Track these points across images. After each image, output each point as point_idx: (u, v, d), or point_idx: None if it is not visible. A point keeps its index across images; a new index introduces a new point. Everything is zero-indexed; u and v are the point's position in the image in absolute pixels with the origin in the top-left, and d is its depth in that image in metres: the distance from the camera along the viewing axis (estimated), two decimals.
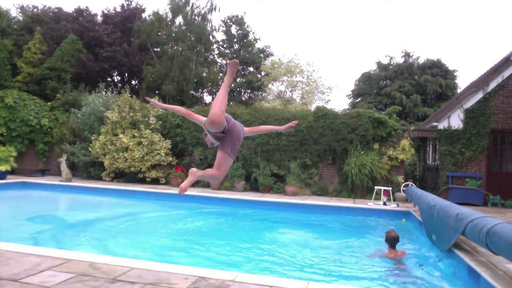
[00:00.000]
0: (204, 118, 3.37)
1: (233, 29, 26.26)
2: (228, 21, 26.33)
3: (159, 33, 18.60)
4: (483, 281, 3.60)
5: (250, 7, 43.87)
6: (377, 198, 9.53)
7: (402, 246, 5.81)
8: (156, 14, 18.75)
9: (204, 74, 19.82)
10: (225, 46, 26.44)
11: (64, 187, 10.36)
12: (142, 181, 11.53)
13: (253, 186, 10.98)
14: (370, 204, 8.73)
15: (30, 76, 14.93)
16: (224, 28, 26.30)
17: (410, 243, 5.98)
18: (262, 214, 8.27)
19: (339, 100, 48.46)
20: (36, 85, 14.79)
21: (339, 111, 11.50)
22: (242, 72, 26.01)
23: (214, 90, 21.93)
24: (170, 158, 11.40)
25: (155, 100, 3.80)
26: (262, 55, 26.10)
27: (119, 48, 16.58)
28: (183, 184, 2.92)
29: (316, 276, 4.06)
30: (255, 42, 26.14)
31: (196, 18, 19.31)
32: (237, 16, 26.29)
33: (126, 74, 19.16)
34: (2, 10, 17.12)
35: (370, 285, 3.93)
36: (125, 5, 18.24)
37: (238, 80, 25.37)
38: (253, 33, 26.29)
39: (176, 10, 18.75)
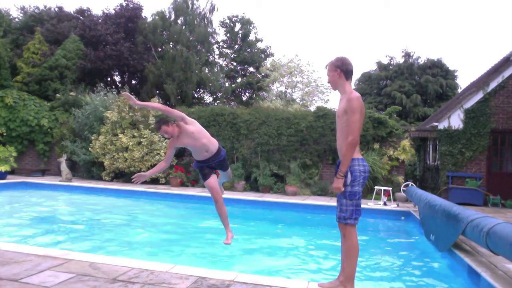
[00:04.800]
0: (180, 113, 3.88)
1: (235, 29, 26.25)
2: (228, 21, 26.32)
3: (162, 33, 18.62)
4: (483, 281, 3.60)
5: (250, 7, 43.92)
6: (377, 198, 9.53)
7: (402, 246, 5.82)
8: (160, 13, 18.77)
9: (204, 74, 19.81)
10: (225, 46, 26.44)
11: (64, 187, 10.37)
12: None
13: (253, 186, 10.97)
14: (370, 204, 8.73)
15: (30, 76, 14.91)
16: (225, 28, 26.30)
17: (410, 243, 5.98)
18: (262, 214, 8.27)
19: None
20: (36, 85, 14.79)
21: None
22: (242, 73, 26.03)
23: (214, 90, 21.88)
24: None
25: (129, 94, 3.92)
26: (262, 55, 26.11)
27: (123, 48, 16.56)
28: None
29: (316, 276, 4.06)
30: (256, 42, 26.13)
31: (197, 19, 19.32)
32: (238, 17, 26.27)
33: (127, 74, 19.16)
34: (2, 13, 17.11)
35: (370, 284, 3.92)
36: (124, 5, 18.23)
37: (238, 80, 25.38)
38: (255, 34, 26.29)
39: (179, 10, 18.75)
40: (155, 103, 3.92)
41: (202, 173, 4.11)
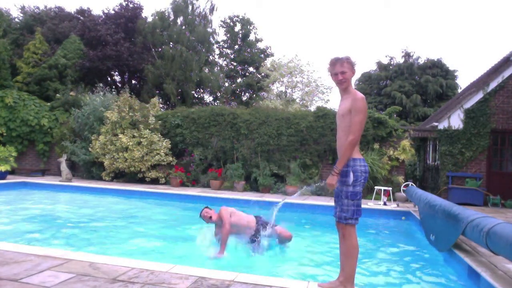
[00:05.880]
0: (228, 215, 4.66)
1: (235, 29, 26.23)
2: (229, 21, 26.32)
3: (162, 33, 18.62)
4: (483, 281, 3.60)
5: (250, 7, 43.92)
6: (377, 198, 9.53)
7: (402, 246, 5.81)
8: (159, 13, 18.77)
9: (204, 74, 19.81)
10: (225, 46, 26.45)
11: (64, 187, 10.37)
12: (142, 181, 11.53)
13: (253, 186, 10.97)
14: (370, 204, 8.73)
15: (30, 76, 14.92)
16: (225, 28, 26.29)
17: (410, 243, 5.98)
18: (261, 214, 8.26)
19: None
20: (36, 85, 14.78)
21: None
22: (242, 73, 26.04)
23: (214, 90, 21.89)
24: (170, 158, 11.40)
25: (213, 254, 4.49)
26: (262, 55, 26.10)
27: (123, 48, 16.55)
28: None
29: (316, 276, 4.06)
30: (256, 42, 26.12)
31: (197, 19, 19.32)
32: (238, 17, 26.25)
33: (127, 74, 19.16)
34: (2, 13, 17.11)
35: (370, 284, 3.92)
36: (124, 4, 18.22)
37: (238, 80, 25.38)
38: (255, 34, 26.28)
39: (178, 10, 18.75)
40: (225, 230, 4.50)
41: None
